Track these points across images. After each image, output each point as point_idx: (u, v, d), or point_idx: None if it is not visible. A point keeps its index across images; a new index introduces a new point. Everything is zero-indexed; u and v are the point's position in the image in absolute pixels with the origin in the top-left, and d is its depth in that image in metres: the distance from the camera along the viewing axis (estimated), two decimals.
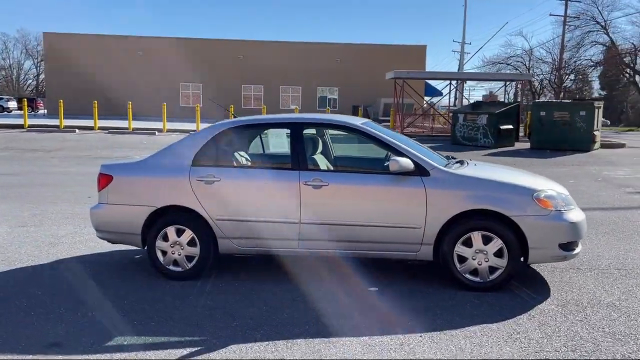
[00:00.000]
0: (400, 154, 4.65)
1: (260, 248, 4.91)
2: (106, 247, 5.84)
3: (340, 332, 3.79)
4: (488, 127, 19.04)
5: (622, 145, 20.16)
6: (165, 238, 4.94)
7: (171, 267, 4.97)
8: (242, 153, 5.33)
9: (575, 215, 4.53)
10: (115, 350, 3.58)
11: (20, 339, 3.75)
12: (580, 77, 48.54)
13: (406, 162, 4.52)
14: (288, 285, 4.76)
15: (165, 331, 3.86)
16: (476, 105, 21.84)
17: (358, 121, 5.18)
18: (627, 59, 38.67)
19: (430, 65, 63.08)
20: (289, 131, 5.12)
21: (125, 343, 3.69)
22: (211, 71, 38.01)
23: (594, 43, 40.83)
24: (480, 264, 4.50)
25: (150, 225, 4.99)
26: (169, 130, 23.56)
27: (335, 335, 3.74)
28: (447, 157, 5.37)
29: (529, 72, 44.57)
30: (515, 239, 4.42)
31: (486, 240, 4.47)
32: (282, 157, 5.15)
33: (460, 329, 3.80)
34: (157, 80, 38.17)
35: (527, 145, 19.33)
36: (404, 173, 4.56)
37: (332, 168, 5.43)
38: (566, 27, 40.71)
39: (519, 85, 34.54)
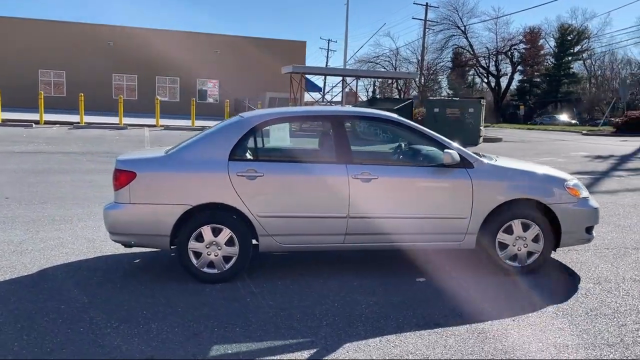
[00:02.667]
0: (447, 147, 4.81)
1: (305, 244, 4.80)
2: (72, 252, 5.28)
3: (426, 322, 3.88)
4: None
5: (499, 140, 22.43)
6: (199, 238, 4.60)
7: (206, 270, 4.65)
8: (282, 146, 5.13)
9: (594, 201, 5.06)
10: (239, 358, 3.31)
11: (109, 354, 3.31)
12: (432, 77, 52.76)
13: (456, 155, 4.70)
14: (333, 281, 4.72)
15: (261, 335, 3.65)
16: (372, 102, 22.79)
17: (395, 115, 5.24)
18: (483, 62, 43.00)
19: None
20: (287, 125, 5.04)
21: (230, 351, 3.42)
22: (76, 58, 34.99)
23: (456, 46, 44.73)
24: (519, 250, 4.84)
25: (179, 226, 4.60)
26: (47, 122, 21.36)
27: (429, 325, 3.82)
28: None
29: (395, 70, 47.46)
30: (549, 225, 4.82)
31: (525, 228, 4.81)
32: (324, 150, 5.05)
33: (539, 310, 4.07)
34: (11, 66, 34.22)
35: None
36: (452, 165, 4.73)
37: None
38: (431, 30, 44.03)
39: (392, 83, 36.58)
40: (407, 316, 3.97)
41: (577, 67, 71.60)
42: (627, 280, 4.80)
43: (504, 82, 49.50)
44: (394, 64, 49.86)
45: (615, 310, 4.10)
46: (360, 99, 32.13)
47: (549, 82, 68.29)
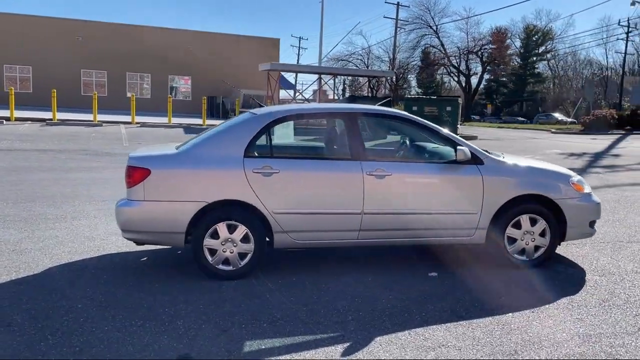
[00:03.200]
0: (458, 144, 4.91)
1: (318, 241, 4.82)
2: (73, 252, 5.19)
3: (450, 316, 3.97)
4: None
5: (475, 138, 22.81)
6: (215, 235, 4.58)
7: (221, 267, 4.63)
8: (296, 143, 5.14)
9: (596, 197, 5.23)
10: (275, 354, 3.31)
11: (141, 352, 3.28)
12: (402, 76, 53.35)
13: (468, 152, 4.80)
14: (347, 278, 4.76)
15: (290, 331, 3.66)
16: (351, 99, 22.92)
17: (408, 114, 5.31)
18: (454, 61, 43.74)
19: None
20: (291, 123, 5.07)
21: (264, 347, 3.43)
22: (43, 52, 34.07)
23: (427, 45, 45.33)
24: (527, 244, 4.97)
25: (194, 223, 4.58)
26: (18, 119, 20.75)
27: (455, 318, 3.91)
28: None
29: (367, 69, 47.85)
30: (555, 220, 4.96)
31: (532, 222, 4.95)
32: (338, 147, 5.08)
33: (554, 302, 4.20)
34: None
35: None
36: (464, 162, 4.83)
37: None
38: (404, 29, 44.53)
39: (366, 81, 36.78)
40: (429, 310, 4.04)
41: (541, 67, 73.50)
42: (630, 272, 4.99)
43: (474, 81, 50.57)
44: (366, 63, 50.27)
45: (626, 301, 4.26)
46: (330, 98, 32.17)
47: (515, 82, 69.94)
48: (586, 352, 3.35)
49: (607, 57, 78.83)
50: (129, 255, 5.42)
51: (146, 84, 37.67)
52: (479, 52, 44.18)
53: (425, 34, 43.35)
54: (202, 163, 4.61)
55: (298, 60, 60.80)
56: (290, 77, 40.41)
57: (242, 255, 4.65)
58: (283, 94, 32.18)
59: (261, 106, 5.48)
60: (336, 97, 35.74)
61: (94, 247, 5.62)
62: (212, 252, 4.61)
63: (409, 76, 57.15)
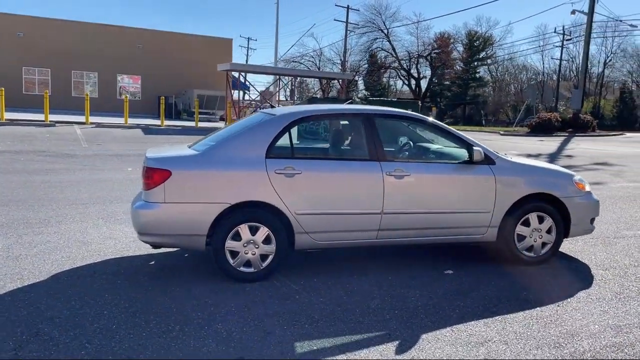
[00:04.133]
0: (472, 145, 5.04)
1: (339, 241, 4.83)
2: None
3: (483, 311, 4.08)
4: None
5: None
6: (236, 237, 4.52)
7: (242, 269, 4.58)
8: (316, 144, 5.12)
9: (595, 195, 5.51)
10: (330, 355, 3.31)
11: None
12: (353, 78, 54.01)
13: (482, 152, 4.95)
14: (367, 277, 4.81)
15: (335, 331, 3.67)
16: (312, 101, 22.97)
17: (422, 115, 5.42)
18: (405, 65, 44.68)
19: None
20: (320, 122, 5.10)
21: (316, 348, 3.42)
22: None
23: (379, 49, 46.09)
24: (535, 241, 5.17)
25: (215, 225, 4.50)
26: None
27: (489, 313, 4.02)
28: None
29: (319, 70, 48.11)
30: (561, 217, 5.19)
31: (540, 220, 5.15)
32: (356, 148, 5.10)
33: (574, 296, 4.39)
34: None
35: None
36: (477, 162, 4.97)
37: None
38: (356, 32, 45.11)
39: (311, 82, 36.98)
40: (460, 306, 4.14)
41: (482, 71, 76.10)
42: (629, 266, 5.27)
43: (424, 84, 51.62)
44: (317, 64, 50.51)
45: (638, 293, 4.51)
46: (280, 99, 31.85)
47: (459, 86, 72.07)
48: (623, 342, 3.53)
49: (543, 63, 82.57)
50: (134, 259, 5.26)
51: (93, 82, 36.32)
52: (428, 56, 45.33)
53: (377, 38, 44.17)
54: (224, 164, 4.54)
55: (247, 61, 60.34)
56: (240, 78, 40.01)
57: (263, 257, 4.60)
58: (249, 95, 31.75)
59: (272, 107, 5.43)
60: (285, 99, 35.48)
61: (93, 252, 5.41)
62: (234, 254, 4.54)
63: (358, 79, 57.89)
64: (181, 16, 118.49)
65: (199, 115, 31.34)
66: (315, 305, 4.11)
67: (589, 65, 67.89)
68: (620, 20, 41.63)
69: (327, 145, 5.24)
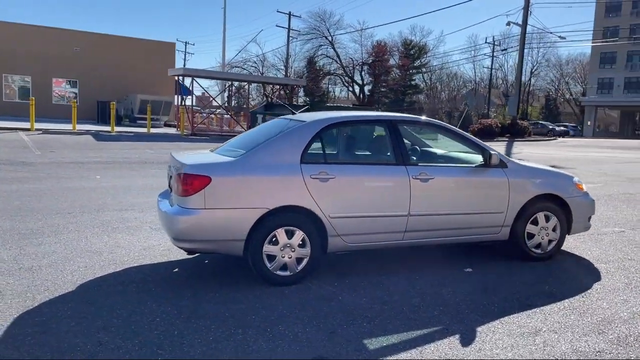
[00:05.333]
0: (487, 150, 5.35)
1: (368, 243, 5.00)
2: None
3: (520, 305, 4.35)
4: None
5: None
6: (274, 241, 4.60)
7: (279, 272, 4.66)
8: (346, 149, 5.25)
9: (591, 195, 5.96)
10: (402, 350, 3.46)
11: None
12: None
13: (498, 157, 5.27)
14: (395, 277, 4.99)
15: (396, 327, 3.83)
16: (268, 107, 22.96)
17: (441, 122, 5.68)
18: (349, 71, 45.46)
19: None
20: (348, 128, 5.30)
21: (385, 344, 3.56)
22: None
23: (324, 56, 46.64)
24: (542, 239, 5.54)
25: (253, 230, 4.56)
26: None
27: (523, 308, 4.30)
28: None
29: (262, 75, 48.06)
30: (564, 216, 5.60)
31: (547, 219, 5.54)
32: (383, 153, 5.27)
33: (591, 289, 4.75)
34: None
35: None
36: (493, 165, 5.29)
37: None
38: (302, 39, 45.57)
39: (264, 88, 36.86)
40: (495, 301, 4.40)
41: (418, 79, 78.56)
42: (623, 259, 5.74)
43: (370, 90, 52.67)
44: (260, 70, 50.44)
45: None
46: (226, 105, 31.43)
47: (396, 92, 74.06)
48: None
49: (475, 72, 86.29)
50: (155, 267, 5.19)
51: (26, 86, 34.54)
52: (372, 64, 46.34)
53: (322, 45, 44.72)
54: (262, 170, 4.61)
55: (184, 65, 59.35)
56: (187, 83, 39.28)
57: (298, 261, 4.70)
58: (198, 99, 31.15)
59: (293, 113, 5.54)
60: (223, 105, 34.93)
61: (107, 261, 5.31)
62: (271, 258, 4.61)
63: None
64: (115, 19, 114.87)
65: (141, 121, 30.59)
66: (363, 305, 4.25)
67: (513, 75, 71.36)
68: (551, 32, 44.27)
69: (355, 151, 5.40)
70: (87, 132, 21.52)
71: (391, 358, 3.36)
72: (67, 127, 22.26)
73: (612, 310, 4.22)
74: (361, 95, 45.12)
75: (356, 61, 46.24)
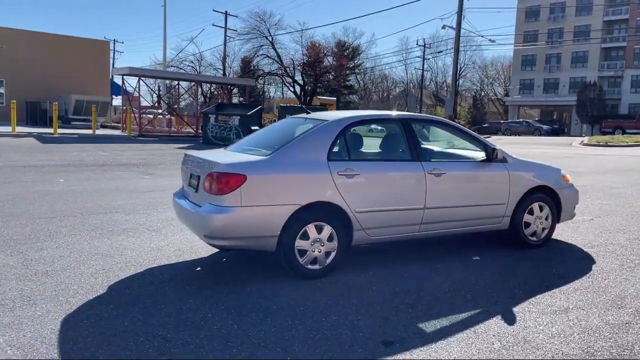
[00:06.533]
0: (489, 146, 5.74)
1: (388, 236, 5.25)
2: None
3: (539, 287, 4.72)
4: (241, 128, 20.23)
5: None
6: (304, 236, 4.76)
7: (310, 266, 4.82)
8: (366, 146, 5.45)
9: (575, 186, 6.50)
10: (456, 331, 3.72)
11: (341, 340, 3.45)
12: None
13: (502, 152, 5.67)
14: (414, 266, 5.27)
15: (443, 311, 4.08)
16: (220, 107, 22.69)
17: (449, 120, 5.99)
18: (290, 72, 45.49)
19: None
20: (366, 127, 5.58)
21: (439, 326, 3.81)
22: None
23: (265, 56, 46.36)
24: (537, 227, 6.00)
25: (286, 226, 4.70)
26: None
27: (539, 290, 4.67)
28: None
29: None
30: (555, 206, 6.09)
31: (541, 209, 6.00)
32: (400, 150, 5.51)
33: (592, 271, 5.21)
34: None
35: None
36: (495, 160, 5.68)
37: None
38: (236, 39, 45.20)
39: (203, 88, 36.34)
40: (515, 285, 4.75)
41: (352, 80, 79.99)
42: (607, 244, 6.29)
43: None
44: (198, 69, 49.60)
45: (637, 263, 5.48)
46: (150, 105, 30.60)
47: (331, 92, 74.99)
48: None
49: (407, 73, 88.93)
50: (175, 267, 5.21)
51: None
52: (313, 64, 46.69)
53: (263, 45, 44.55)
54: (293, 168, 4.75)
55: (113, 64, 57.39)
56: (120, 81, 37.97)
57: (327, 254, 4.88)
58: (145, 100, 30.13)
59: (307, 112, 5.70)
60: (153, 105, 33.86)
61: (124, 263, 5.27)
62: (302, 252, 4.76)
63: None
64: (35, 16, 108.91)
65: (75, 122, 29.40)
66: (400, 293, 4.48)
67: (444, 76, 74.15)
68: (482, 36, 46.39)
69: (373, 148, 5.61)
70: (28, 135, 20.51)
71: (452, 339, 3.61)
72: (5, 129, 21.06)
73: (619, 288, 4.69)
74: (302, 95, 45.33)
75: (297, 62, 46.40)
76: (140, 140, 22.21)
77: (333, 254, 4.89)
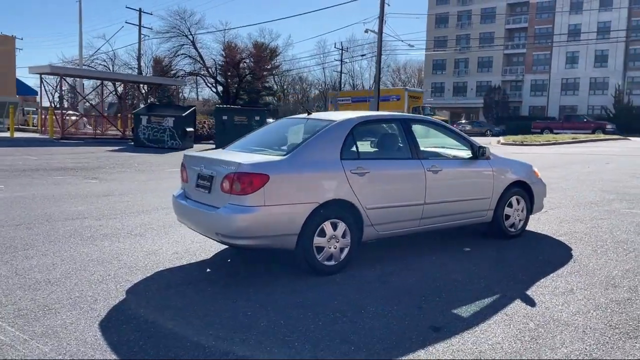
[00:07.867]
0: (476, 144, 6.13)
1: (393, 231, 5.48)
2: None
3: (542, 272, 5.11)
4: (175, 130, 19.69)
5: None
6: (321, 234, 4.89)
7: (326, 262, 4.96)
8: (372, 145, 5.62)
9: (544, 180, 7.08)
10: (489, 314, 4.00)
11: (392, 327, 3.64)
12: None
13: (489, 150, 6.09)
14: (415, 260, 5.54)
15: (464, 300, 4.36)
16: (151, 108, 21.90)
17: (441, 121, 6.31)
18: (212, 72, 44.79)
19: None
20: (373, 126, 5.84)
21: (467, 314, 4.08)
22: None
23: (186, 55, 45.27)
24: (515, 219, 6.49)
25: (305, 224, 4.81)
26: None
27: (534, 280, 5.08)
28: None
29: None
30: (529, 199, 6.61)
31: (518, 202, 6.49)
32: (400, 148, 5.73)
33: (576, 255, 5.71)
34: None
35: (212, 145, 20.93)
36: (482, 157, 6.09)
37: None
38: (151, 37, 43.88)
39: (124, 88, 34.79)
40: (516, 271, 5.13)
41: (271, 81, 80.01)
42: (571, 232, 6.87)
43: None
44: (110, 68, 47.47)
45: (611, 246, 6.07)
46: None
47: (250, 94, 74.58)
48: None
49: (325, 76, 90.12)
50: (184, 269, 5.19)
51: None
52: (236, 65, 46.19)
53: (184, 44, 43.42)
54: (311, 167, 4.86)
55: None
56: (28, 80, 35.54)
57: (341, 251, 5.03)
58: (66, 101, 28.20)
59: (309, 113, 5.81)
60: (54, 105, 31.91)
61: (128, 267, 5.16)
62: (319, 249, 4.88)
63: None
64: None
65: None
66: (418, 284, 4.72)
67: (361, 79, 76.16)
68: (402, 40, 48.10)
69: (378, 147, 5.77)
70: None
71: (490, 321, 3.89)
72: None
73: (605, 270, 5.21)
74: (225, 96, 44.70)
75: (219, 62, 45.73)
76: (65, 143, 21.03)
77: (346, 250, 5.04)
